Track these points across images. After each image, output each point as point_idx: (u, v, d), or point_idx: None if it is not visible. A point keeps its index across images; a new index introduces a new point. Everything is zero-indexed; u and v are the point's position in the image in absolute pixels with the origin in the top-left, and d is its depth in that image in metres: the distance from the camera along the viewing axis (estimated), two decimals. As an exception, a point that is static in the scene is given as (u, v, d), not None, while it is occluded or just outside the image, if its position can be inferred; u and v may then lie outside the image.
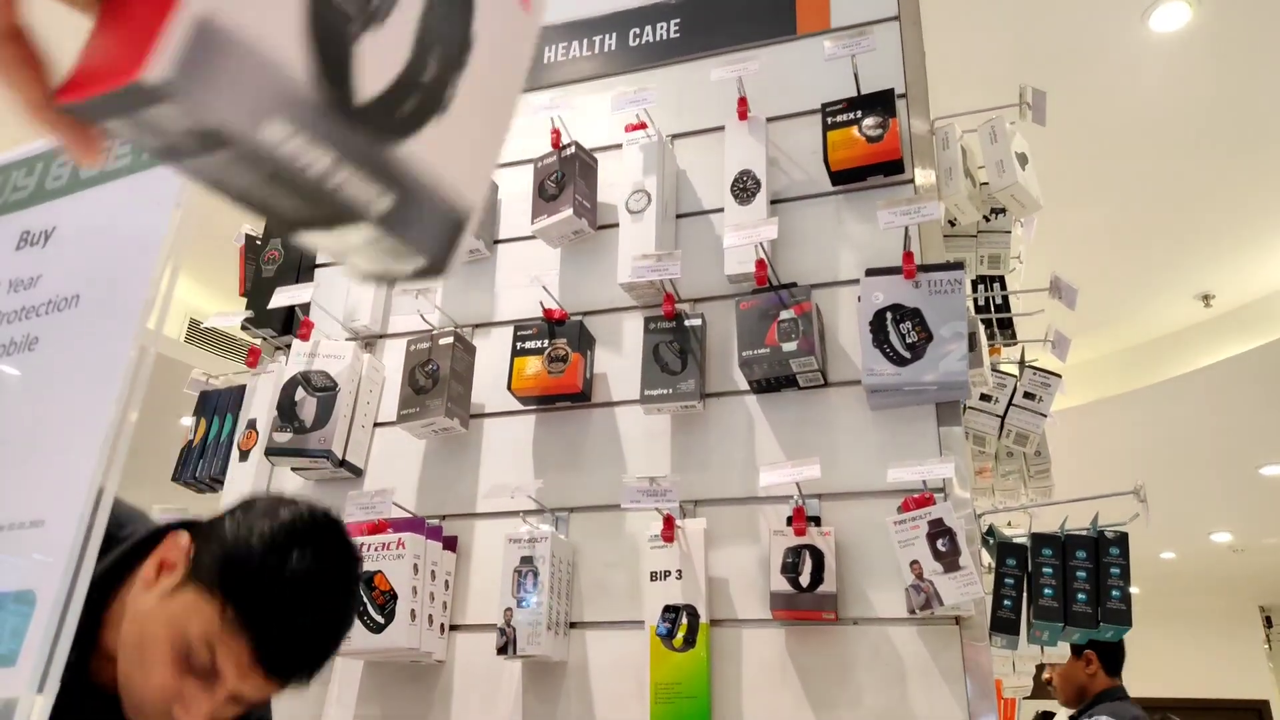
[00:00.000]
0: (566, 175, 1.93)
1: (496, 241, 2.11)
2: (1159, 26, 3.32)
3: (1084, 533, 1.63)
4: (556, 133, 1.99)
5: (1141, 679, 8.89)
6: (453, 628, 1.79)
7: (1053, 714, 5.44)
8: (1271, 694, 8.75)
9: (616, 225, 1.95)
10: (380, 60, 0.41)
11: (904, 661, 1.53)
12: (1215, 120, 3.74)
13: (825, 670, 1.57)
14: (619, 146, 2.01)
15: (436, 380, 1.83)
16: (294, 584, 0.99)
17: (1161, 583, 8.39)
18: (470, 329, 2.03)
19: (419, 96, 0.43)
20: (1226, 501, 6.79)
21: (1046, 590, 1.61)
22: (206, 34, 0.34)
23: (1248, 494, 6.61)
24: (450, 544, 1.82)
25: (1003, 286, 2.16)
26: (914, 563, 1.50)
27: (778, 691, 1.58)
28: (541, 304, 1.88)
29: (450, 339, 1.87)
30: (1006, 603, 1.62)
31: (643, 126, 1.95)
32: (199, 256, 4.49)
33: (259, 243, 2.23)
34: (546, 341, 1.85)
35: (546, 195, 1.95)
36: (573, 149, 1.95)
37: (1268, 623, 9.21)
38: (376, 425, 2.00)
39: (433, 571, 1.73)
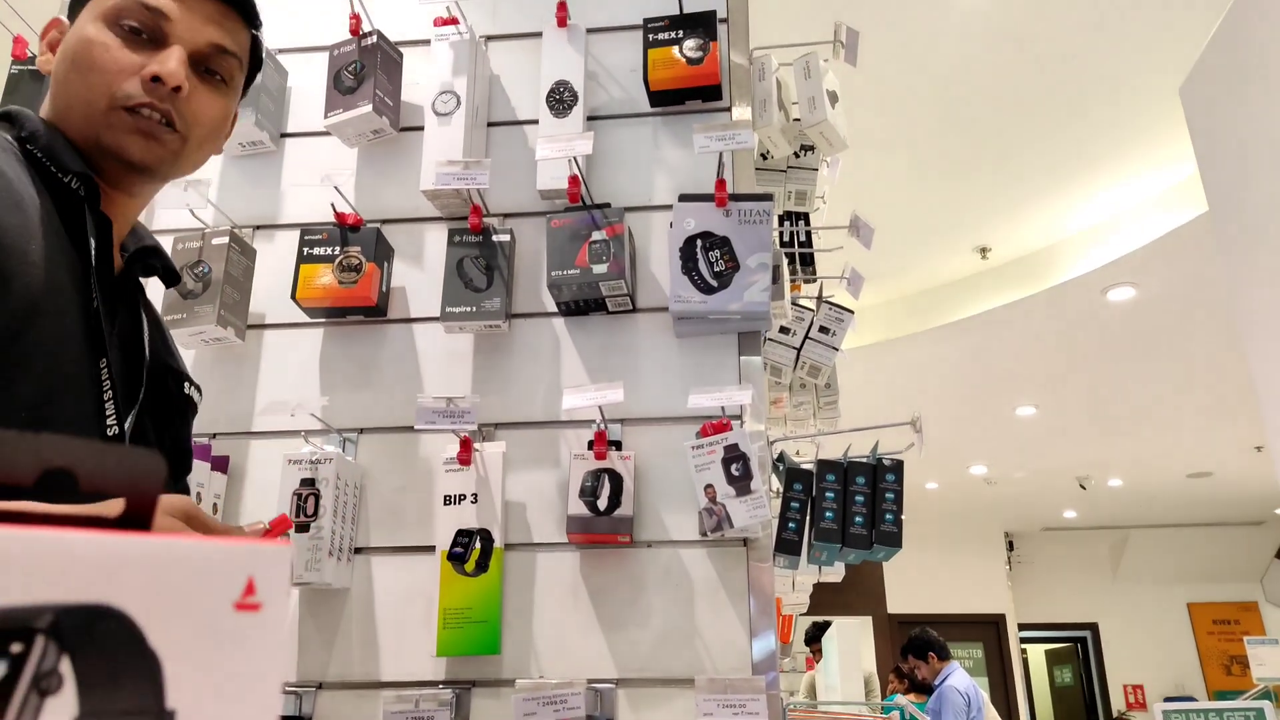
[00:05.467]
0: (367, 67, 1.76)
1: (284, 135, 1.91)
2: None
3: (864, 460, 1.72)
4: (356, 18, 1.80)
5: (902, 596, 9.90)
6: (223, 554, 1.65)
7: (829, 622, 5.91)
8: (1008, 608, 9.99)
9: (421, 128, 1.80)
10: None
11: (693, 582, 1.57)
12: (1003, 90, 4.01)
13: (617, 592, 1.58)
14: (427, 43, 1.85)
15: (207, 284, 1.63)
16: None
17: (924, 510, 9.29)
18: (251, 230, 1.84)
19: None
20: (985, 437, 7.55)
21: (828, 514, 1.69)
22: None
23: (1003, 431, 7.37)
24: (220, 464, 1.66)
25: (807, 224, 2.21)
26: (708, 486, 1.52)
27: (569, 614, 1.58)
28: (334, 207, 1.72)
29: (225, 239, 1.67)
30: (791, 525, 1.69)
31: (454, 22, 1.81)
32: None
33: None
34: (338, 249, 1.70)
35: (343, 87, 1.77)
36: (374, 38, 1.78)
37: (1010, 546, 10.46)
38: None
39: (198, 494, 1.58)
